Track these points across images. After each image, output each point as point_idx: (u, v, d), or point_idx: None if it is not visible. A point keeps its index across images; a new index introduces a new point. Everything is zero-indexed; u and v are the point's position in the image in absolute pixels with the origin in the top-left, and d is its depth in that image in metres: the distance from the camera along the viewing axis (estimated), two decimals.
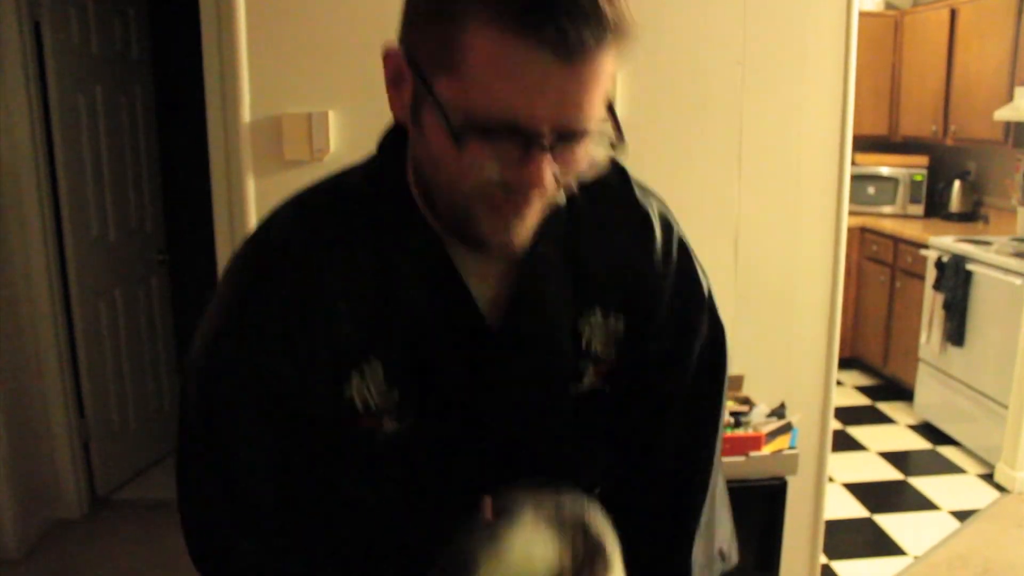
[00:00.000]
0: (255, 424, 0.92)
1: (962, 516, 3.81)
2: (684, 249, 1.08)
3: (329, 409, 0.92)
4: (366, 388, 0.92)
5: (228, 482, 0.93)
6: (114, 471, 3.91)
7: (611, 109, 0.84)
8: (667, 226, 1.06)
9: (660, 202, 1.08)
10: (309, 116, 2.29)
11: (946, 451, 4.55)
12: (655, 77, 2.34)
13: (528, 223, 0.86)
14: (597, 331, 1.00)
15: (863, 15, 2.40)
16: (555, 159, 0.80)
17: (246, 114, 2.31)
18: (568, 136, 0.80)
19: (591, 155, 0.86)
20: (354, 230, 0.94)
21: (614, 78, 0.84)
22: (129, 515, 3.75)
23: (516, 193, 0.82)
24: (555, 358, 1.00)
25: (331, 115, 2.30)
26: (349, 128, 2.31)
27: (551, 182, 0.80)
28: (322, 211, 0.96)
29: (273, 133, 2.32)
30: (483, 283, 0.95)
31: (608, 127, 0.85)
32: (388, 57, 0.86)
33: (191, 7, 3.16)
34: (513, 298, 0.96)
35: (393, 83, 0.86)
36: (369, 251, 0.93)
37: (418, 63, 0.81)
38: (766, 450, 2.20)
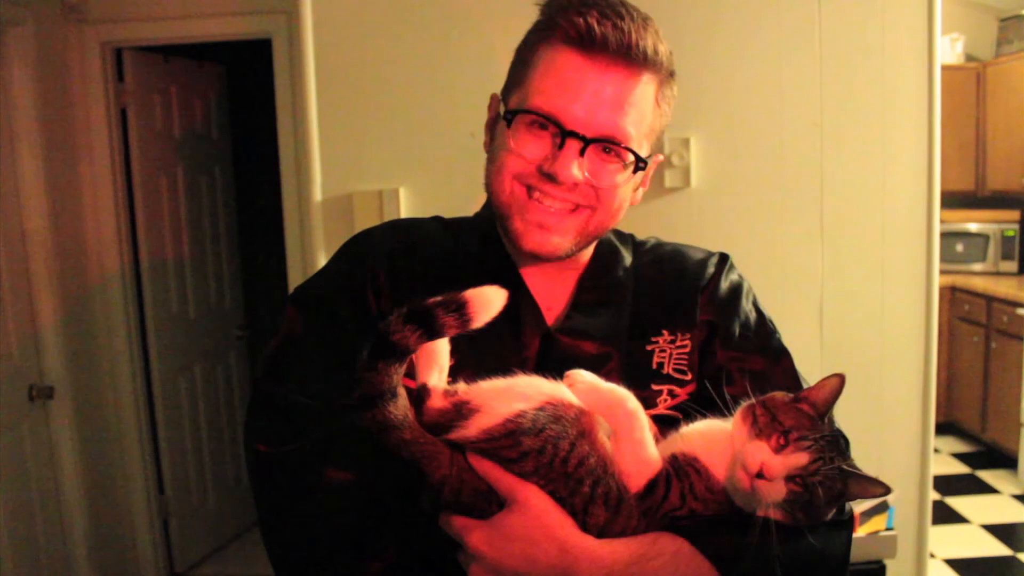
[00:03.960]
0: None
1: None
2: (739, 279, 1.18)
3: None
4: None
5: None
6: (193, 547, 3.91)
7: (639, 157, 1.03)
8: (722, 259, 1.18)
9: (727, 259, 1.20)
10: (380, 193, 2.30)
11: None
12: (732, 142, 2.29)
13: (555, 231, 1.04)
14: (667, 351, 1.09)
15: (943, 69, 2.31)
16: (586, 163, 1.01)
17: (318, 192, 2.33)
18: (599, 141, 1.00)
19: (622, 189, 1.05)
20: (446, 238, 1.16)
21: (655, 119, 1.06)
22: None
23: (542, 191, 1.02)
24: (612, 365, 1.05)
25: (402, 192, 2.30)
26: (420, 204, 2.31)
27: (576, 176, 1.00)
28: (425, 221, 1.21)
29: (345, 210, 2.33)
30: (550, 295, 1.11)
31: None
32: (491, 101, 1.10)
33: (267, 89, 3.27)
34: (571, 305, 1.11)
35: (489, 124, 1.11)
36: (453, 253, 1.13)
37: (502, 97, 1.07)
38: (861, 531, 2.07)
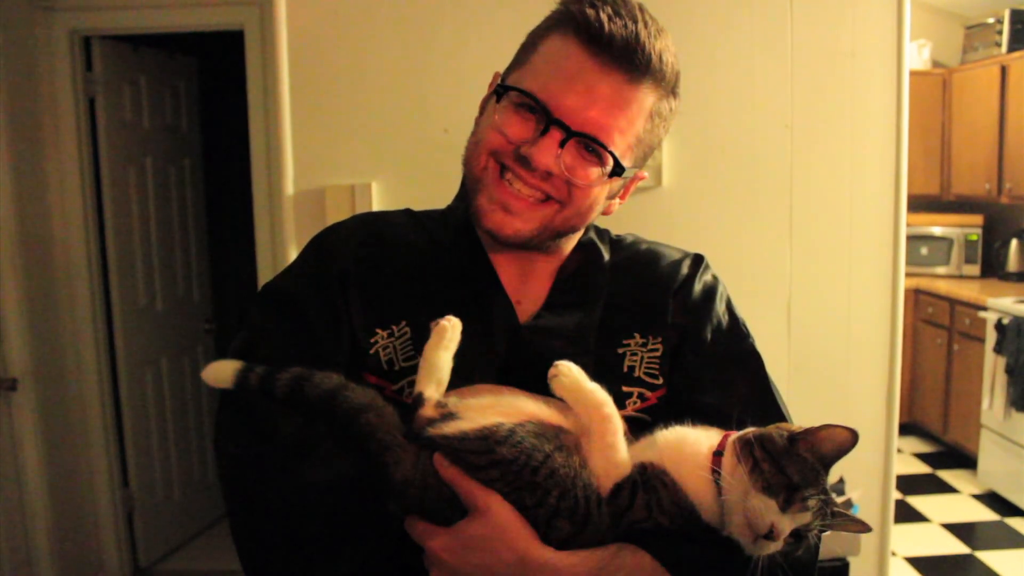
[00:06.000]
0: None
1: None
2: (714, 281, 1.16)
3: (354, 360, 1.02)
4: (392, 347, 1.04)
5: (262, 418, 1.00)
6: (157, 542, 3.88)
7: (618, 163, 1.00)
8: (697, 260, 1.16)
9: (702, 260, 1.18)
10: (352, 188, 2.29)
11: (1015, 523, 4.33)
12: (703, 142, 2.30)
13: (518, 216, 1.02)
14: (638, 354, 1.07)
15: (910, 74, 2.34)
16: (564, 156, 0.98)
17: (289, 186, 2.31)
18: (582, 137, 0.97)
19: (595, 191, 1.02)
20: (416, 230, 1.15)
21: (645, 132, 1.03)
22: None
23: (514, 173, 1.00)
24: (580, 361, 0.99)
25: (374, 186, 2.29)
26: (392, 198, 2.30)
27: (550, 165, 0.98)
28: (394, 214, 1.20)
29: (316, 204, 2.32)
30: (524, 291, 1.10)
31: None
32: (493, 79, 1.08)
33: (239, 82, 3.25)
34: (545, 304, 1.10)
35: (483, 101, 1.09)
36: (424, 246, 1.12)
37: (503, 76, 1.06)
38: None
